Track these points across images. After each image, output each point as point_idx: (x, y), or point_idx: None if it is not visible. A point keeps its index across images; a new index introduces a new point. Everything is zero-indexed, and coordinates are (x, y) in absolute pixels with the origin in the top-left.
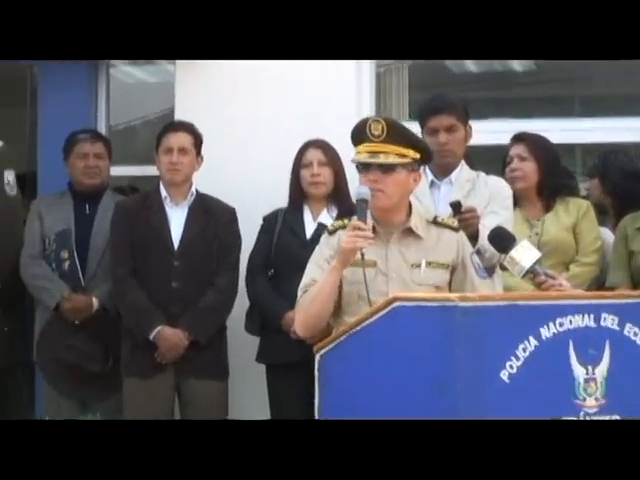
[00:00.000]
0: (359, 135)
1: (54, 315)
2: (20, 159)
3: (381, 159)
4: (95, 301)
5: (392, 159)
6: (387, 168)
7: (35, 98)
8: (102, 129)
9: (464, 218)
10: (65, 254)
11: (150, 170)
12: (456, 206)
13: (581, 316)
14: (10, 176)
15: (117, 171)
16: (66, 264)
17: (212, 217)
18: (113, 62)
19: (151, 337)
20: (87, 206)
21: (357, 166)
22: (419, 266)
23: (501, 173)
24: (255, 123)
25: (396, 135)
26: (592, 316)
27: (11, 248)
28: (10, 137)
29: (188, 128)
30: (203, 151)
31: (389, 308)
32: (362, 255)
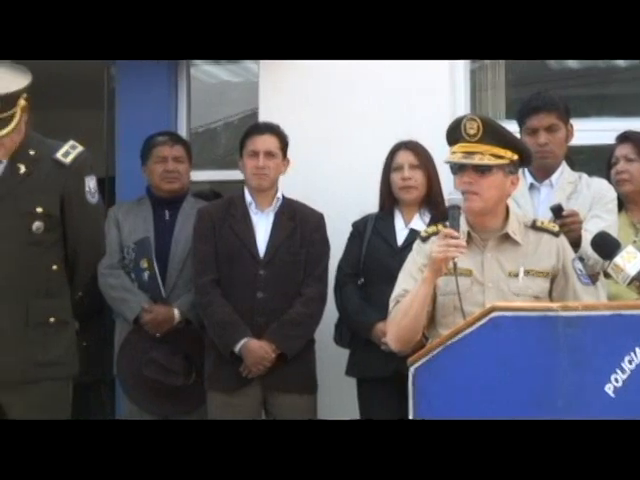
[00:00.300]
0: (454, 134)
1: (134, 328)
2: (98, 164)
3: (476, 160)
4: (176, 313)
5: (488, 160)
6: (483, 169)
7: (113, 101)
8: (183, 132)
9: (565, 223)
10: (144, 263)
11: (232, 174)
12: (557, 210)
13: None
14: (91, 182)
15: (198, 176)
16: (146, 274)
17: (299, 223)
18: (194, 62)
19: (236, 350)
20: (167, 212)
21: (451, 167)
22: (517, 275)
23: (605, 175)
24: (343, 124)
25: (493, 134)
26: None
27: (94, 259)
28: (87, 141)
29: (274, 130)
30: (289, 154)
31: (487, 319)
32: (454, 265)
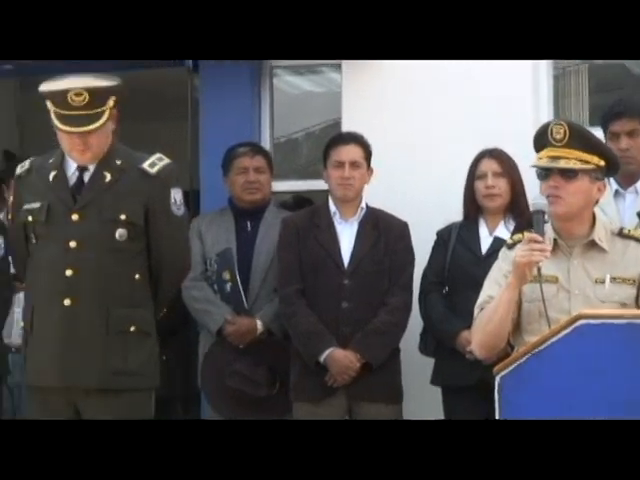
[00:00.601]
0: (541, 140)
1: (217, 340)
2: (183, 176)
3: (561, 164)
4: (259, 324)
5: (574, 164)
6: (568, 174)
7: (196, 112)
8: (266, 142)
9: None
10: (227, 275)
11: (314, 184)
12: None
13: None
14: (177, 195)
15: (280, 186)
16: (228, 285)
17: (383, 233)
18: (276, 72)
19: (321, 360)
20: (249, 223)
21: (537, 173)
22: (603, 282)
23: None
24: (426, 132)
25: (579, 139)
26: None
27: (178, 274)
28: (172, 154)
29: (359, 140)
30: (372, 162)
31: (573, 326)
32: (539, 270)
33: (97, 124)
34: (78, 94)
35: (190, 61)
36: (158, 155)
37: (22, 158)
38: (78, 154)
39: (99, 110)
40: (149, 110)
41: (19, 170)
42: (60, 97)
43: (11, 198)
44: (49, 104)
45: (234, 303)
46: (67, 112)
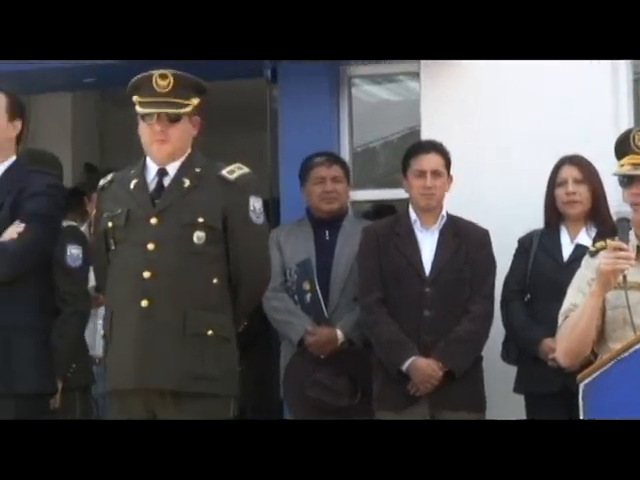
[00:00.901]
0: (622, 147)
1: (298, 350)
2: (262, 186)
3: None
4: (339, 333)
5: None
6: None
7: (275, 122)
8: (345, 151)
9: None
10: (307, 285)
11: (392, 193)
12: None
13: None
14: (257, 203)
15: (358, 195)
16: (308, 296)
17: (464, 241)
18: (354, 81)
19: (404, 369)
20: (327, 233)
21: (620, 180)
22: None
23: None
24: (506, 138)
25: None
26: None
27: (258, 284)
28: (251, 163)
29: (439, 148)
30: (452, 169)
31: None
32: (624, 277)
33: (181, 110)
34: (163, 76)
35: (269, 71)
36: (237, 164)
37: (103, 171)
38: (157, 146)
39: (183, 101)
40: (228, 121)
41: (102, 182)
42: (145, 84)
43: (94, 210)
44: (135, 99)
45: (314, 313)
46: (152, 99)
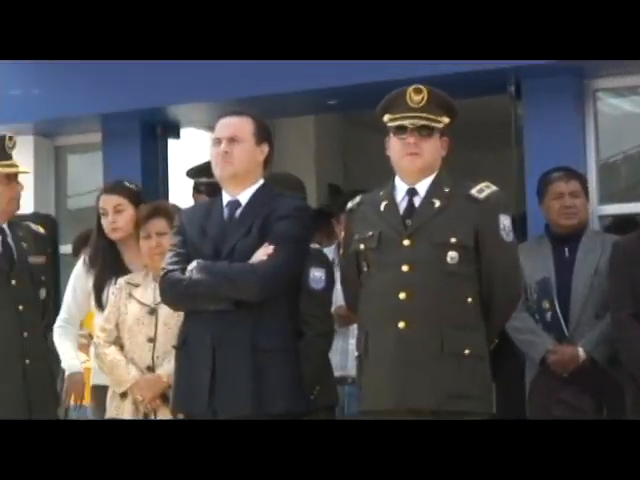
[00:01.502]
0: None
1: (542, 369)
2: (509, 203)
3: None
4: (581, 351)
5: None
6: None
7: (521, 138)
8: (591, 166)
9: None
10: (546, 304)
11: (636, 207)
12: None
13: None
14: (506, 221)
15: (601, 210)
16: (548, 314)
17: None
18: (598, 95)
19: None
20: (566, 249)
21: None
22: None
23: None
24: None
25: None
26: None
27: (509, 302)
28: (497, 180)
29: None
30: None
31: None
32: None
33: (434, 124)
34: (417, 91)
35: (512, 87)
36: (485, 183)
37: (347, 192)
38: (409, 159)
39: (435, 117)
40: (474, 138)
41: (350, 204)
42: (398, 99)
43: (342, 233)
44: (386, 118)
45: (555, 332)
46: (405, 113)
